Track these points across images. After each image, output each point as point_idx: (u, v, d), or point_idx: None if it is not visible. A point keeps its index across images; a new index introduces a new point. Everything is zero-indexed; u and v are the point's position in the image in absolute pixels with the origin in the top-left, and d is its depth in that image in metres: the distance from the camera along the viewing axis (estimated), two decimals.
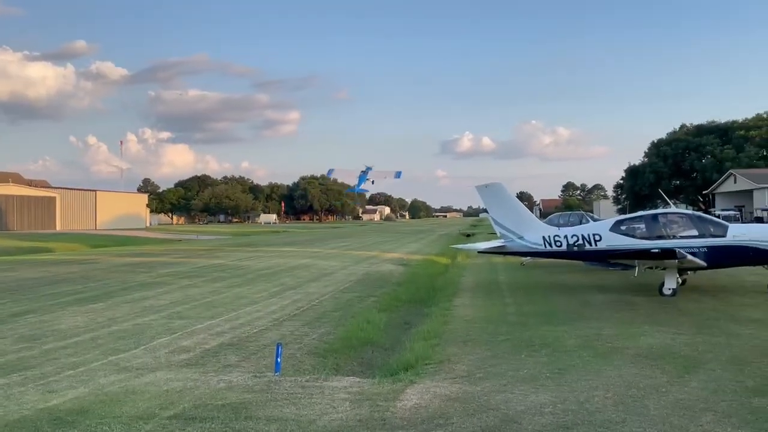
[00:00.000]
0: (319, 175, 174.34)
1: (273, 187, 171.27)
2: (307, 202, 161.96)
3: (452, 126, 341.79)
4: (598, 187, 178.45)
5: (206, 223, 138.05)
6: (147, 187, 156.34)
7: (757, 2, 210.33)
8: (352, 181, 41.28)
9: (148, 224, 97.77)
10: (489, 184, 17.71)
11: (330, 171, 48.17)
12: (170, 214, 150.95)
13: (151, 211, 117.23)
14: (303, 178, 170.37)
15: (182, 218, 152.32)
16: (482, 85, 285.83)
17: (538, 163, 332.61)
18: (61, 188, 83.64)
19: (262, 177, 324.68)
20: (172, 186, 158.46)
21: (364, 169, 39.91)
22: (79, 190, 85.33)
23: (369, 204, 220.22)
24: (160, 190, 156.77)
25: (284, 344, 9.78)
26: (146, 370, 8.65)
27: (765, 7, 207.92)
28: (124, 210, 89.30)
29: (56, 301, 15.49)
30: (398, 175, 45.47)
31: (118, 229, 75.95)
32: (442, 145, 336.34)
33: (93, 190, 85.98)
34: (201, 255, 32.91)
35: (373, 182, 43.81)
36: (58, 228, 75.48)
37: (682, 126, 78.49)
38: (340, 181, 41.03)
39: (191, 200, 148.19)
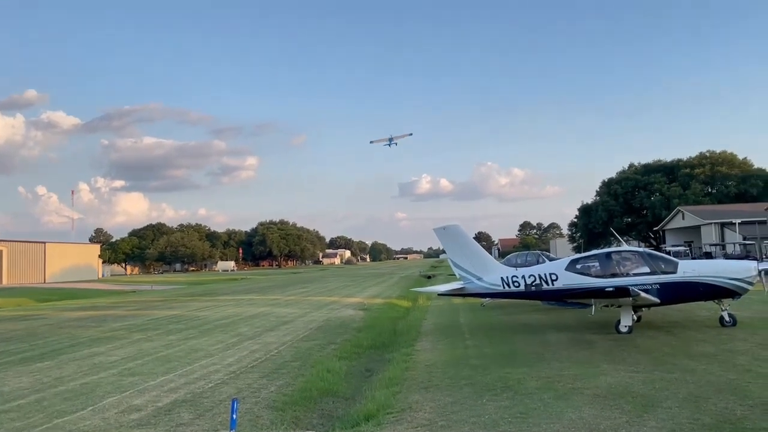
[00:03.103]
0: (278, 220, 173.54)
1: (231, 234, 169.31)
2: (266, 247, 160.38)
3: (410, 168, 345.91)
4: (553, 225, 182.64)
5: (161, 273, 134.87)
6: (99, 237, 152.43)
7: (695, 48, 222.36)
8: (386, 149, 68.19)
9: (100, 275, 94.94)
10: (446, 226, 17.81)
11: (371, 141, 67.70)
12: (124, 265, 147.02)
13: (104, 262, 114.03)
14: (261, 224, 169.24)
15: (137, 268, 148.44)
16: (438, 128, 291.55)
17: (496, 204, 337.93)
18: (7, 241, 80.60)
19: (220, 224, 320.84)
20: (126, 235, 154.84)
21: (390, 136, 63.78)
22: (27, 242, 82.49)
23: (329, 248, 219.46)
24: (114, 240, 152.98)
25: (241, 398, 9.49)
26: None
27: (704, 53, 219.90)
28: (75, 261, 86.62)
29: None
30: (411, 134, 76.42)
31: (69, 281, 73.42)
32: (401, 187, 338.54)
33: (42, 242, 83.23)
34: (155, 306, 32.01)
35: (397, 144, 64.40)
36: (4, 282, 72.49)
37: (631, 165, 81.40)
38: (374, 144, 66.72)
39: (146, 249, 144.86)
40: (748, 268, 14.78)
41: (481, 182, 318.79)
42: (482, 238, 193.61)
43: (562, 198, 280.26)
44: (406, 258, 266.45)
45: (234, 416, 8.15)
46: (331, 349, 15.22)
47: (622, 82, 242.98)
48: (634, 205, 73.85)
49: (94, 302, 38.37)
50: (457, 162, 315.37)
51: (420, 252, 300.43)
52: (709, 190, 73.60)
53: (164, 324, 22.43)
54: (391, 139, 64.47)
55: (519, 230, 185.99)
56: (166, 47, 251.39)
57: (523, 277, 16.16)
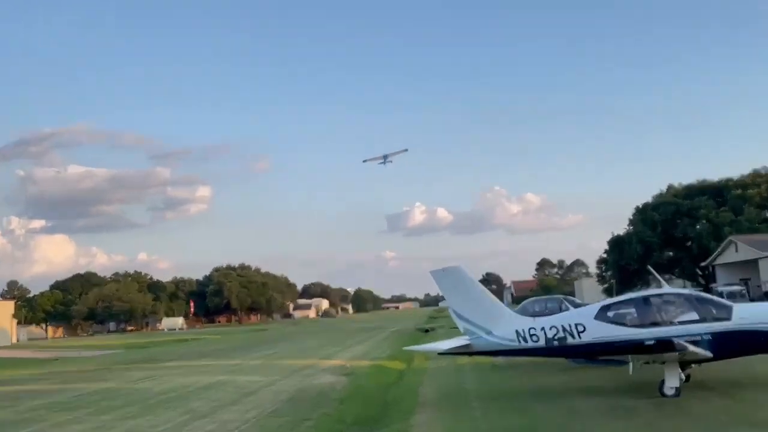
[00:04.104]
0: (237, 265, 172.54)
1: (179, 283, 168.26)
2: (223, 299, 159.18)
3: (400, 197, 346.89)
4: (578, 263, 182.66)
5: (92, 334, 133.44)
6: (13, 292, 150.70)
7: (736, 47, 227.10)
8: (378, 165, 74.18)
9: (14, 340, 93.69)
10: (446, 267, 17.89)
11: (364, 160, 76.51)
12: (45, 325, 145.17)
13: (19, 323, 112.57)
14: (217, 270, 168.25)
15: (60, 329, 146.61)
16: (434, 147, 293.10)
17: (506, 237, 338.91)
18: None
19: (165, 270, 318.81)
20: (47, 289, 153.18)
21: (384, 154, 70.83)
22: None
23: (302, 297, 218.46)
24: (32, 295, 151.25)
25: None
26: None
27: (747, 52, 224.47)
28: None
29: None
30: (406, 150, 78.98)
31: None
32: (390, 220, 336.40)
33: None
34: (84, 378, 31.63)
35: (392, 161, 71.62)
36: None
37: (670, 187, 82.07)
38: (368, 162, 74.92)
39: (72, 305, 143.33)
40: None
41: (488, 211, 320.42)
42: (491, 281, 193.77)
43: (588, 228, 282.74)
44: (398, 308, 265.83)
45: None
46: (306, 427, 15.07)
47: (652, 88, 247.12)
48: (675, 236, 74.30)
49: (7, 374, 37.76)
50: (458, 188, 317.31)
51: (415, 300, 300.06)
52: (767, 214, 74.34)
53: (96, 400, 22.11)
54: (385, 157, 72.46)
55: (536, 269, 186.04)
56: (95, 55, 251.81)
57: (543, 329, 16.14)
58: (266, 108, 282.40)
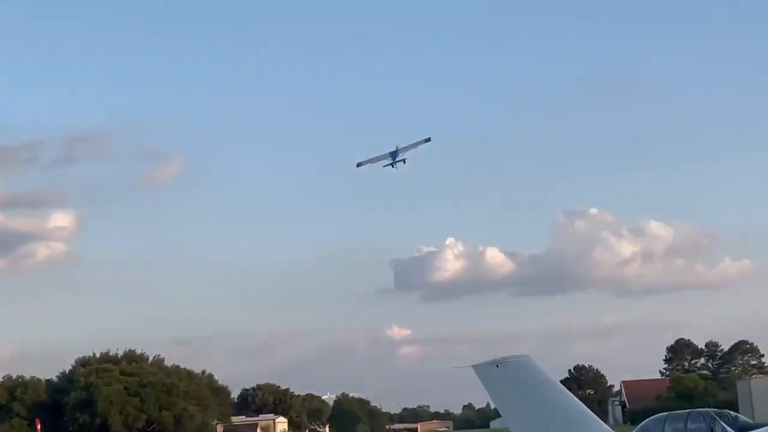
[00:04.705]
0: (120, 353, 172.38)
1: (15, 388, 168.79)
2: (94, 416, 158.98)
3: (419, 229, 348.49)
4: (743, 347, 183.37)
5: None
6: None
7: None
8: (382, 170, 79.92)
9: None
10: (504, 359, 18.11)
11: (359, 164, 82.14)
12: None
13: None
14: (84, 364, 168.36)
15: None
16: (474, 141, 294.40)
17: (613, 301, 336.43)
18: None
19: None
20: None
21: (394, 149, 75.09)
22: None
23: (240, 413, 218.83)
24: None
25: None
26: None
27: None
28: None
29: None
30: (429, 140, 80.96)
31: None
32: (400, 269, 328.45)
33: None
34: None
35: (405, 161, 76.58)
36: None
37: None
38: (364, 166, 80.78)
39: None
40: None
41: (578, 254, 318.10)
42: (585, 382, 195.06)
43: (762, 285, 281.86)
44: (416, 430, 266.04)
45: None
46: None
47: None
48: None
49: None
50: (522, 211, 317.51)
51: (446, 415, 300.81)
52: None
53: None
54: (395, 154, 76.49)
55: (666, 359, 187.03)
56: None
57: None
58: (173, 74, 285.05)
